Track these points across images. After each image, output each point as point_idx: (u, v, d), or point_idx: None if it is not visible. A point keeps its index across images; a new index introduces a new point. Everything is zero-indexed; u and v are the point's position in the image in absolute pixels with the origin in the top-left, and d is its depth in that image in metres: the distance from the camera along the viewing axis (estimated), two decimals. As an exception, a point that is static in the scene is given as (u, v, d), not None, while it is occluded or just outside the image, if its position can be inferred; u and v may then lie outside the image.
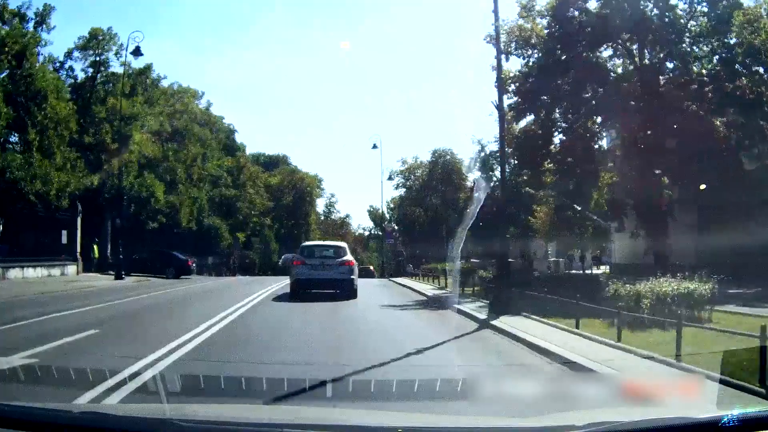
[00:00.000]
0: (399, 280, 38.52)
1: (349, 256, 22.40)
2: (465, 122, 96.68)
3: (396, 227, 57.99)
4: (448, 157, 76.90)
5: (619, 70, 29.26)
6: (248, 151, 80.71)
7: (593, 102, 28.01)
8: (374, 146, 50.79)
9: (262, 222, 67.77)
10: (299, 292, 20.82)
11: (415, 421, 4.20)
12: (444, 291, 26.65)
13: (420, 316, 17.61)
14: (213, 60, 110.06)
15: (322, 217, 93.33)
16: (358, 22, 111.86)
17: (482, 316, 15.70)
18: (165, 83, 53.76)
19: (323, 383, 7.16)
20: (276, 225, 77.05)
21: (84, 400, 6.45)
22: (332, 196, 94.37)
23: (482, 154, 47.83)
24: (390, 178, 51.22)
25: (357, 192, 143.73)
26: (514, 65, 47.49)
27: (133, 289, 26.23)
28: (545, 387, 7.43)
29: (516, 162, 49.21)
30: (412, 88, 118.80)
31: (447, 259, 48.91)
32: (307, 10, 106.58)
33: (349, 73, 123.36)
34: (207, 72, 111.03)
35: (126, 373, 7.61)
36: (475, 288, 23.67)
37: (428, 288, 29.57)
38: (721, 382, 6.57)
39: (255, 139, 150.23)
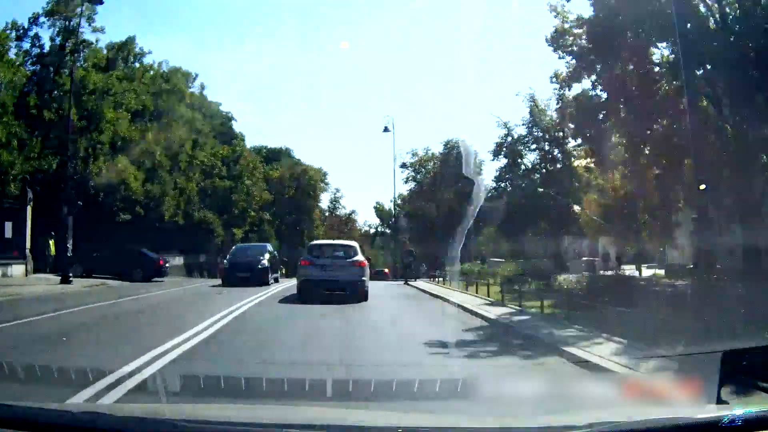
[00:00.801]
0: (421, 285, 30.82)
1: (360, 257, 20.82)
2: (477, 113, 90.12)
3: (407, 223, 50.70)
4: (462, 148, 70.69)
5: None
6: (249, 143, 74.45)
7: (673, 57, 21.04)
8: (386, 129, 43.52)
9: (261, 217, 60.76)
10: (307, 294, 19.30)
11: (415, 421, 4.05)
12: (504, 308, 17.60)
13: (512, 377, 8.51)
14: (216, 57, 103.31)
15: (327, 213, 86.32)
16: (362, 17, 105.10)
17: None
18: (150, 59, 46.88)
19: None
20: (277, 221, 70.19)
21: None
22: (337, 190, 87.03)
23: (509, 138, 40.81)
24: (403, 166, 43.87)
25: (363, 189, 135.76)
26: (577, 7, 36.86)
27: (69, 298, 19.25)
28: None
29: (546, 144, 42.32)
30: (419, 82, 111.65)
31: (454, 259, 42.60)
32: (310, 9, 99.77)
33: (353, 69, 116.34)
34: (209, 69, 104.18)
35: None
36: (554, 308, 14.84)
37: (476, 302, 19.94)
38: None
39: (259, 136, 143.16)
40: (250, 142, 73.17)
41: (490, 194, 42.24)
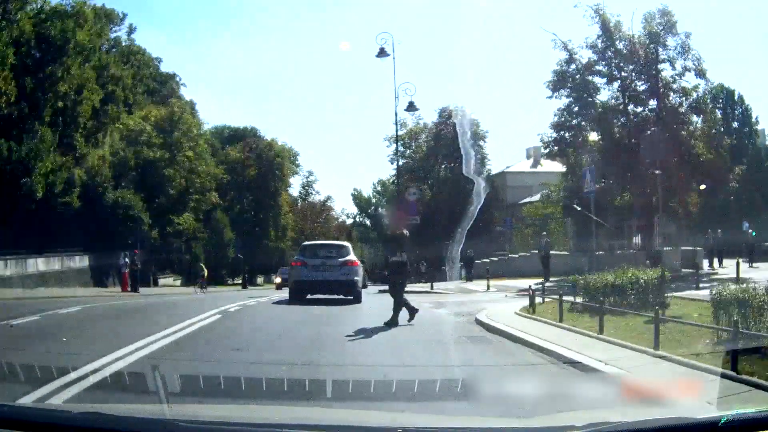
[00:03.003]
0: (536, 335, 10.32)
1: (352, 256, 18.97)
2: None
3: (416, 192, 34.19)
4: (460, 117, 55.68)
5: None
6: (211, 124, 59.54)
7: None
8: (382, 52, 26.71)
9: (208, 200, 44.37)
10: (299, 296, 17.81)
11: (415, 421, 3.86)
12: None
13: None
14: (187, 45, 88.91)
15: (299, 202, 70.04)
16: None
17: None
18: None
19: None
20: (237, 206, 54.09)
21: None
22: (310, 174, 70.68)
23: (572, 67, 25.32)
24: (411, 107, 27.13)
25: (340, 174, 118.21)
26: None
27: None
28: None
29: (632, 73, 26.45)
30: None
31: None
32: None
33: (322, 55, 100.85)
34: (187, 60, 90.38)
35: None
36: None
37: None
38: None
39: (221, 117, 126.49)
40: (212, 122, 58.62)
41: (547, 149, 26.63)
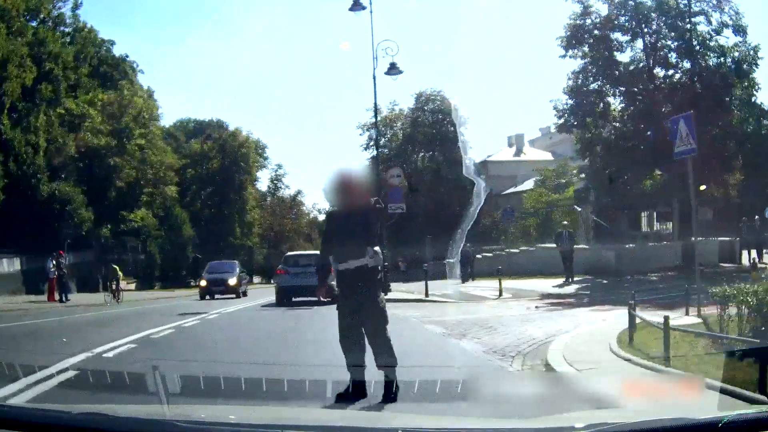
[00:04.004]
0: None
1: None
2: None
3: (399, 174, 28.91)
4: (438, 102, 51.72)
5: None
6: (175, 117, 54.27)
7: None
8: (356, 4, 21.36)
9: (164, 193, 39.25)
10: (282, 299, 20.13)
11: (415, 421, 3.66)
12: None
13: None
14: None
15: (268, 197, 65.08)
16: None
17: None
18: None
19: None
20: (198, 201, 49.18)
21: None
22: (279, 167, 65.62)
23: (587, 21, 20.97)
24: (392, 70, 21.84)
25: (311, 167, 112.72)
26: None
27: None
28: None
29: (663, 28, 21.78)
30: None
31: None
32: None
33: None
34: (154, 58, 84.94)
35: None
36: None
37: None
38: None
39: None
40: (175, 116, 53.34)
41: (562, 118, 22.08)
